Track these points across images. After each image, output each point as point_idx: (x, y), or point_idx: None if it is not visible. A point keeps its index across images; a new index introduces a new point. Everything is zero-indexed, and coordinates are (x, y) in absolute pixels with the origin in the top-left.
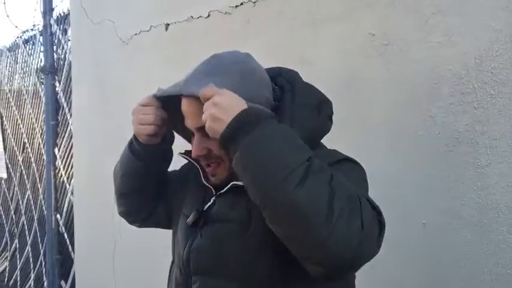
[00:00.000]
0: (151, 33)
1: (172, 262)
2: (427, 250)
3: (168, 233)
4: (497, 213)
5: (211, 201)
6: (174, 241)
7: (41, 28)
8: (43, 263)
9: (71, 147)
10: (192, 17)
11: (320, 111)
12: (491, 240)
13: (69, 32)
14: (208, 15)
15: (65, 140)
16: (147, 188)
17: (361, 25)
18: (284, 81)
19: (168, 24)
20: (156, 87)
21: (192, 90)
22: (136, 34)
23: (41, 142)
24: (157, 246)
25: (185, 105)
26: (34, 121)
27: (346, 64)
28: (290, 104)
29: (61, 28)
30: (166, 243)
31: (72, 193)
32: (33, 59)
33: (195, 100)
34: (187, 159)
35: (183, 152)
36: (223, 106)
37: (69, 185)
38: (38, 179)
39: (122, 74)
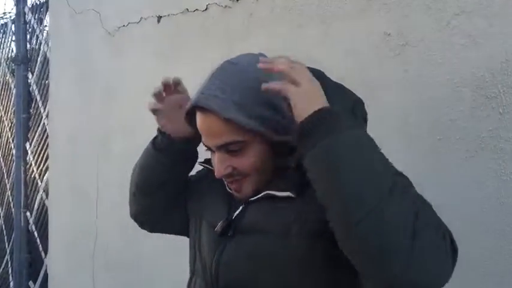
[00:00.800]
0: (141, 26)
1: (193, 273)
2: None
3: (154, 235)
4: None
5: (240, 208)
6: (195, 250)
7: (13, 16)
8: (9, 263)
9: (45, 142)
10: (187, 9)
11: (356, 113)
12: None
13: (46, 21)
14: (206, 8)
15: (37, 134)
16: (169, 184)
17: (375, 24)
18: None
19: (161, 17)
20: (145, 84)
21: (213, 106)
22: (124, 26)
23: (10, 136)
24: (141, 247)
25: (204, 122)
26: (3, 114)
27: (358, 64)
28: None
29: (36, 17)
30: (150, 244)
31: (44, 190)
32: (3, 48)
33: (215, 116)
34: (206, 167)
35: (203, 160)
36: (307, 92)
37: (41, 182)
38: (5, 174)
39: (107, 68)
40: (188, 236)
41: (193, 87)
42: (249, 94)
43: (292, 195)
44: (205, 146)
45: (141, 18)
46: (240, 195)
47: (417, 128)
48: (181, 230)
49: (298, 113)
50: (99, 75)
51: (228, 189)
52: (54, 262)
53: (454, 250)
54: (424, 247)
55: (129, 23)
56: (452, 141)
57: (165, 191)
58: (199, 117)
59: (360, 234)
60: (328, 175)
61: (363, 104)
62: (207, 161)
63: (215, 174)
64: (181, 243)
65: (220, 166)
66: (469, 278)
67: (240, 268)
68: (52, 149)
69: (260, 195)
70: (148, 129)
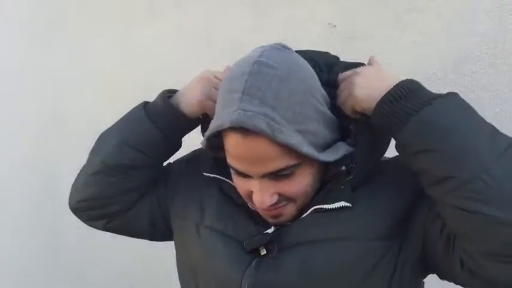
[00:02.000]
0: None
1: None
2: None
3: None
4: None
5: (274, 228)
6: (194, 264)
7: None
8: None
9: None
10: None
11: None
12: None
13: None
14: None
15: None
16: (149, 166)
17: (317, 13)
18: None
19: None
20: None
21: (264, 128)
22: None
23: None
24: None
25: (247, 147)
26: None
27: None
28: None
29: None
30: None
31: None
32: None
33: (265, 139)
34: (221, 179)
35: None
36: (368, 74)
37: None
38: None
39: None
40: (149, 239)
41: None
42: (302, 110)
43: (348, 205)
44: (236, 170)
45: None
46: (278, 221)
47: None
48: (146, 230)
49: (374, 91)
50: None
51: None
52: None
53: None
54: None
55: None
56: None
57: (141, 172)
58: (237, 140)
59: (503, 172)
60: (450, 136)
61: None
62: (212, 169)
63: (256, 204)
64: None
65: (265, 195)
66: None
67: (292, 285)
68: None
69: (309, 211)
70: None
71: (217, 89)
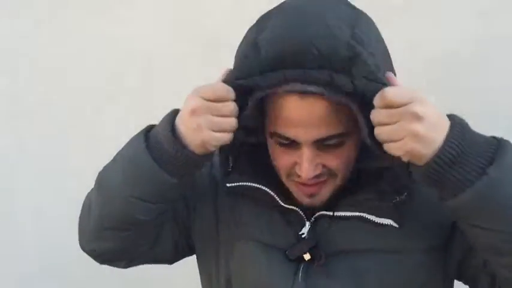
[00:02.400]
0: None
1: None
2: None
3: None
4: None
5: (308, 225)
6: (228, 275)
7: None
8: None
9: None
10: None
11: None
12: None
13: None
14: None
15: None
16: (163, 211)
17: None
18: None
19: None
20: None
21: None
22: None
23: None
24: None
25: (304, 108)
26: None
27: None
28: None
29: None
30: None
31: None
32: None
33: (324, 101)
34: (249, 186)
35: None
36: (431, 120)
37: None
38: None
39: None
40: (169, 263)
41: None
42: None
43: (395, 225)
44: (284, 138)
45: None
46: (314, 201)
47: None
48: (169, 257)
49: (429, 148)
50: None
51: (283, 204)
52: None
53: None
54: None
55: None
56: None
57: (158, 218)
58: (295, 102)
59: None
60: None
61: None
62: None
63: (301, 174)
64: None
65: (311, 165)
66: None
67: None
68: None
69: (355, 214)
70: None
71: (228, 115)
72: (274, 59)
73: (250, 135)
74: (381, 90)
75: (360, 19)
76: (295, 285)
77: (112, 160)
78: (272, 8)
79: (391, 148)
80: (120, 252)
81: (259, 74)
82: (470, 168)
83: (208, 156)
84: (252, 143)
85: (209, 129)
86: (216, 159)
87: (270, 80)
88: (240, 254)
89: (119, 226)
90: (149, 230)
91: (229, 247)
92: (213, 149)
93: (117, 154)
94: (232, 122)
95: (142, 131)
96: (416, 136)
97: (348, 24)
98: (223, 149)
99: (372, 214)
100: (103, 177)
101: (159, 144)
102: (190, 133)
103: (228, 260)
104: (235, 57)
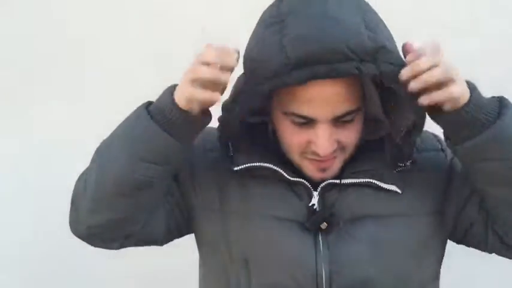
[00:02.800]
0: None
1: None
2: None
3: None
4: None
5: (316, 196)
6: (244, 254)
7: None
8: None
9: None
10: None
11: None
12: None
13: None
14: None
15: None
16: (165, 176)
17: None
18: None
19: None
20: None
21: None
22: None
23: None
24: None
25: (325, 87)
26: None
27: None
28: None
29: None
30: None
31: None
32: None
33: (344, 79)
34: (265, 166)
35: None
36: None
37: None
38: None
39: None
40: (160, 245)
41: None
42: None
43: (398, 191)
44: (301, 117)
45: None
46: (324, 175)
47: None
48: (161, 238)
49: (456, 103)
50: None
51: (289, 177)
52: None
53: None
54: None
55: None
56: None
57: (160, 184)
58: (314, 82)
59: None
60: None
61: None
62: (240, 160)
63: (320, 151)
64: None
65: (329, 141)
66: None
67: (362, 263)
68: None
69: (363, 180)
70: None
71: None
72: (302, 59)
73: (255, 115)
74: (410, 65)
75: (364, 5)
76: (319, 255)
77: (110, 134)
78: (272, 7)
79: (434, 97)
80: (114, 228)
81: (287, 73)
82: (491, 109)
83: (208, 118)
84: (250, 123)
85: (208, 88)
86: (215, 142)
87: (299, 78)
88: (256, 233)
89: (116, 190)
90: (145, 200)
91: (241, 222)
92: (196, 106)
93: (117, 127)
94: (226, 78)
95: (143, 104)
96: (456, 81)
97: (360, 16)
98: (223, 133)
99: (378, 180)
100: (101, 146)
101: (161, 109)
102: (183, 86)
103: (240, 238)
104: (251, 60)
